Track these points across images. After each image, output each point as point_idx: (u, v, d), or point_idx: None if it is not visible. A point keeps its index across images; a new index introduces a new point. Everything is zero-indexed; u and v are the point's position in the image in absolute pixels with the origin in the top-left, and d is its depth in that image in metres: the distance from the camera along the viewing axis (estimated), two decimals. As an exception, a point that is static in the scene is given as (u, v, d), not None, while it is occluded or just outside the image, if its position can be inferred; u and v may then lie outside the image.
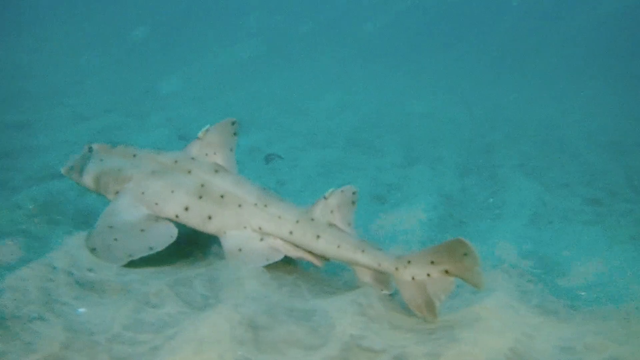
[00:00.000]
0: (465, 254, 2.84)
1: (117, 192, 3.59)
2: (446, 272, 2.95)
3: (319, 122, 9.42)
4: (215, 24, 20.66)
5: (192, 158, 3.58)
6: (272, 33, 18.73)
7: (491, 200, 5.73)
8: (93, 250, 3.23)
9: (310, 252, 3.40)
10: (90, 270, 3.10)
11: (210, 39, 17.84)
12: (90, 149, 3.88)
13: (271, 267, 3.29)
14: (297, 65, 14.88)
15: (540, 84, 14.78)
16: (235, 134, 3.65)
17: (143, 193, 3.50)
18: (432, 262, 2.98)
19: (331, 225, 3.34)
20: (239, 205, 3.42)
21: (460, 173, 6.68)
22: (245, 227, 3.42)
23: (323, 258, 3.41)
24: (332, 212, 3.36)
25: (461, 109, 11.27)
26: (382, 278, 3.27)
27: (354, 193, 3.40)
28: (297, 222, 3.36)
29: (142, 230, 3.37)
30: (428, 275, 3.00)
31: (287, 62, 15.08)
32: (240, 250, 3.36)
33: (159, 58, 15.25)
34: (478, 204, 5.64)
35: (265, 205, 3.41)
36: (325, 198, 3.36)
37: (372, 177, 6.31)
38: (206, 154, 3.60)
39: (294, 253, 3.43)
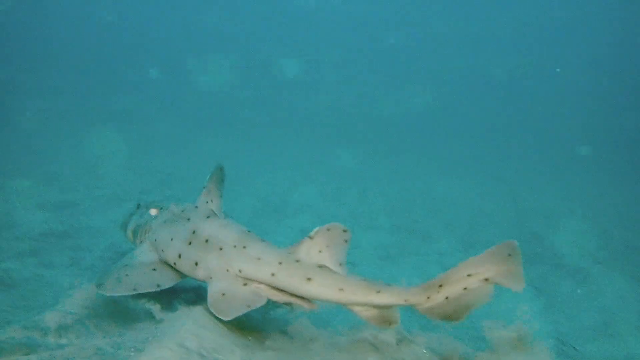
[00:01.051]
0: (509, 255, 2.95)
1: (141, 242, 3.87)
2: (486, 280, 3.00)
3: (355, 207, 9.48)
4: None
5: (196, 207, 3.75)
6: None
7: (579, 291, 5.57)
8: (99, 285, 3.35)
9: (298, 296, 3.21)
10: (215, 351, 2.98)
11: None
12: (138, 206, 4.35)
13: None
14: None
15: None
16: (222, 180, 3.88)
17: (155, 240, 3.70)
18: (470, 275, 3.02)
19: (322, 266, 3.18)
20: (220, 248, 3.35)
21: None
22: (227, 270, 3.29)
23: (312, 303, 3.24)
24: (320, 252, 3.21)
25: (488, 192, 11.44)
26: (387, 315, 3.16)
27: (344, 231, 3.22)
28: (280, 263, 3.20)
29: (153, 269, 3.52)
30: (465, 289, 3.04)
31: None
32: (223, 295, 3.20)
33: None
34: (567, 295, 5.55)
35: (244, 247, 3.32)
36: (310, 238, 3.22)
37: (438, 261, 6.27)
38: (206, 202, 3.75)
39: (279, 297, 3.24)
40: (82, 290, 3.77)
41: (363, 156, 13.71)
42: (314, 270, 3.15)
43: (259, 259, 3.25)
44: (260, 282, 3.24)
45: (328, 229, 3.22)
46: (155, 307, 3.45)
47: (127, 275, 3.42)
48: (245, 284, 3.25)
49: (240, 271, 3.27)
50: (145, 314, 3.47)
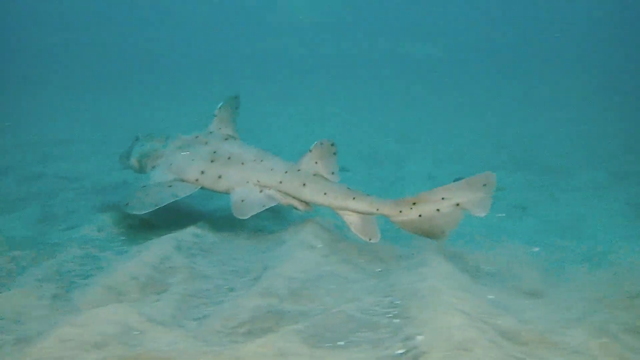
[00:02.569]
0: (484, 185, 3.30)
1: (153, 167, 4.40)
2: (457, 205, 3.37)
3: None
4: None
5: (210, 132, 4.41)
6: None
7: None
8: (125, 205, 3.86)
9: (297, 199, 3.94)
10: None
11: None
12: (137, 138, 4.86)
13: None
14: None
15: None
16: (237, 107, 4.53)
17: (171, 164, 4.28)
18: (443, 198, 3.40)
19: (316, 174, 3.88)
20: (242, 163, 4.09)
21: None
22: (247, 182, 4.03)
23: (308, 205, 3.95)
24: (316, 162, 3.90)
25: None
26: (367, 225, 3.65)
27: (332, 145, 3.92)
28: (286, 172, 3.96)
29: (169, 186, 4.07)
30: (437, 210, 3.42)
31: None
32: (243, 201, 3.92)
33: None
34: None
35: (262, 160, 4.07)
36: (310, 151, 3.93)
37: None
38: (219, 128, 4.43)
39: (284, 200, 3.98)
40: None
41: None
42: (309, 178, 3.87)
43: (272, 169, 4.00)
44: (271, 188, 3.99)
45: (321, 143, 3.91)
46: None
47: (147, 194, 3.93)
48: (261, 191, 3.99)
49: (258, 181, 4.02)
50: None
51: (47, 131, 10.10)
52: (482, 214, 3.31)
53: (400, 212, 3.52)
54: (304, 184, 3.84)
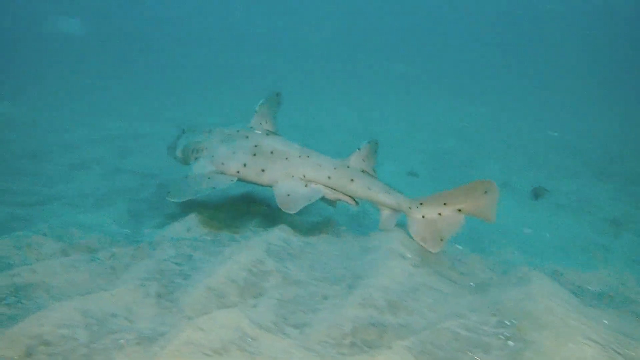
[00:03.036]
0: (486, 192, 3.43)
1: (195, 159, 4.62)
2: (459, 210, 3.57)
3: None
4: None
5: (250, 127, 4.59)
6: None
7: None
8: (168, 194, 4.11)
9: (345, 194, 4.19)
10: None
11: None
12: (183, 131, 5.15)
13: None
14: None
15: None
16: (279, 103, 4.71)
17: (213, 156, 4.47)
18: (445, 204, 3.62)
19: (363, 171, 4.16)
20: (286, 158, 4.27)
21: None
22: (292, 176, 4.21)
23: (354, 199, 4.21)
24: (363, 160, 4.18)
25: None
26: (387, 222, 3.97)
27: (376, 144, 4.26)
28: (335, 168, 4.18)
29: (209, 178, 4.29)
30: (439, 214, 3.65)
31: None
32: (288, 195, 4.09)
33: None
34: None
35: (308, 156, 4.27)
36: (359, 149, 4.19)
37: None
38: (260, 123, 4.60)
39: (331, 195, 4.24)
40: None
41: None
42: (357, 174, 4.14)
43: (320, 165, 4.21)
44: (317, 183, 4.20)
45: (369, 143, 4.21)
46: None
47: (187, 184, 4.19)
48: (305, 185, 4.19)
49: (304, 176, 4.22)
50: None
51: (121, 125, 10.60)
52: (491, 221, 3.49)
53: (410, 208, 3.82)
54: (352, 180, 4.11)
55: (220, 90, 16.97)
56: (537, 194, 6.29)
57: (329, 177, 4.17)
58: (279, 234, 4.01)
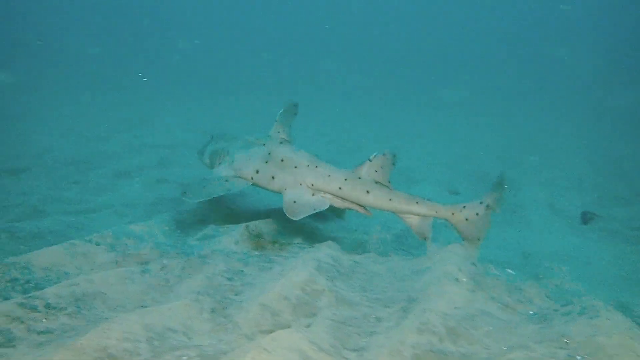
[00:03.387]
0: (499, 185, 3.92)
1: (219, 164, 4.86)
2: (487, 207, 3.94)
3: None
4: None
5: (269, 136, 4.72)
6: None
7: None
8: (183, 193, 4.27)
9: (358, 205, 4.26)
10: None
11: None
12: (212, 138, 5.42)
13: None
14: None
15: None
16: (295, 113, 4.84)
17: (232, 162, 4.68)
18: (481, 202, 3.97)
19: (377, 182, 4.19)
20: (295, 167, 4.35)
21: None
22: (300, 184, 4.29)
23: (367, 209, 4.30)
24: (376, 171, 4.20)
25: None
26: (424, 228, 4.15)
27: (394, 156, 4.28)
28: (346, 179, 4.22)
29: (226, 181, 4.48)
30: (477, 214, 3.97)
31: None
32: (295, 202, 4.18)
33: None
34: None
35: (316, 167, 4.33)
36: (370, 160, 4.22)
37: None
38: (278, 132, 4.72)
39: (341, 204, 4.30)
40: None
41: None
42: (372, 185, 4.17)
43: (329, 175, 4.26)
44: (326, 193, 4.28)
45: (385, 154, 4.23)
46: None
47: (204, 186, 4.37)
48: (313, 194, 4.27)
49: (312, 185, 4.28)
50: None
51: (157, 135, 10.84)
52: (498, 210, 3.93)
53: (453, 214, 4.03)
54: (367, 191, 4.16)
55: (252, 97, 17.19)
56: (587, 218, 6.08)
57: (340, 188, 4.23)
58: (327, 251, 3.99)
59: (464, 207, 4.01)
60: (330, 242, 4.35)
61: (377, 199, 4.15)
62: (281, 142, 4.61)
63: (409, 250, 4.83)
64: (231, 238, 4.31)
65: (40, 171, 6.97)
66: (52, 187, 6.20)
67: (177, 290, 3.27)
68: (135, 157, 8.66)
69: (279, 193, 4.42)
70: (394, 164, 4.28)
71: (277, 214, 5.17)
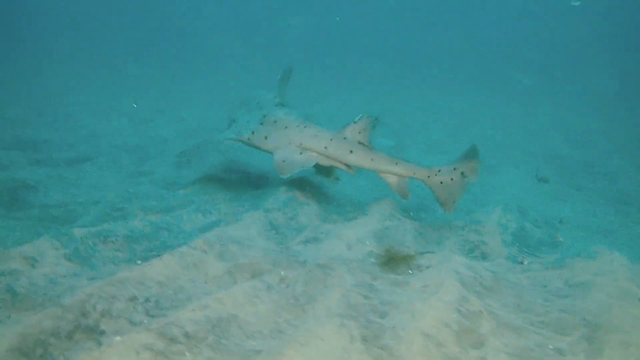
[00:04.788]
0: (475, 155, 4.31)
1: (229, 126, 5.44)
2: (462, 174, 4.32)
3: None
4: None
5: (267, 99, 5.22)
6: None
7: None
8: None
9: (342, 163, 4.64)
10: None
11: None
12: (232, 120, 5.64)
13: None
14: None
15: None
16: (289, 78, 5.27)
17: (235, 124, 5.29)
18: (455, 169, 4.34)
19: (360, 143, 4.55)
20: (285, 127, 4.76)
21: None
22: (290, 144, 4.68)
23: (351, 167, 4.69)
24: (359, 133, 4.57)
25: None
26: (402, 185, 4.58)
27: (376, 119, 4.63)
28: (331, 140, 4.60)
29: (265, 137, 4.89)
30: (452, 179, 4.37)
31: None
32: (284, 161, 4.58)
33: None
34: None
35: (305, 127, 4.70)
36: (354, 122, 4.56)
37: None
38: (275, 96, 5.21)
39: (326, 162, 4.68)
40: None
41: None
42: (355, 145, 4.55)
43: (316, 135, 4.63)
44: (313, 152, 4.64)
45: (368, 117, 4.56)
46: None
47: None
48: (301, 153, 4.64)
49: (300, 144, 4.68)
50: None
51: (196, 115, 10.53)
52: (476, 179, 4.34)
53: (429, 177, 4.42)
54: (350, 151, 4.52)
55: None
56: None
57: (326, 147, 4.57)
58: (461, 259, 3.61)
59: (439, 170, 4.40)
60: (456, 253, 3.96)
61: (360, 158, 4.52)
62: (276, 105, 5.02)
63: (532, 252, 4.40)
64: (342, 240, 3.96)
65: (102, 161, 6.72)
66: (120, 180, 5.94)
67: (313, 312, 2.93)
68: (187, 142, 8.37)
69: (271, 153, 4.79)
70: (374, 127, 4.62)
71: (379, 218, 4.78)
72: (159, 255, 3.38)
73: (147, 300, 2.92)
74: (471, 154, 4.37)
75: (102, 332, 2.52)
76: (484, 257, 4.15)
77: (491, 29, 34.82)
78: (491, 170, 7.74)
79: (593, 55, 23.89)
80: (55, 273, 3.12)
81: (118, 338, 2.33)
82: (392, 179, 4.57)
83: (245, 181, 6.13)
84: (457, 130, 10.90)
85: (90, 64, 17.49)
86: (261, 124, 4.90)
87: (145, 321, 2.67)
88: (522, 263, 3.89)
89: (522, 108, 14.34)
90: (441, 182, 4.37)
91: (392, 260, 3.64)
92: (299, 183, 5.68)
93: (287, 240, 4.27)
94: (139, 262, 3.57)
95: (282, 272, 3.41)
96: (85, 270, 3.27)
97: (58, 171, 5.81)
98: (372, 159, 4.51)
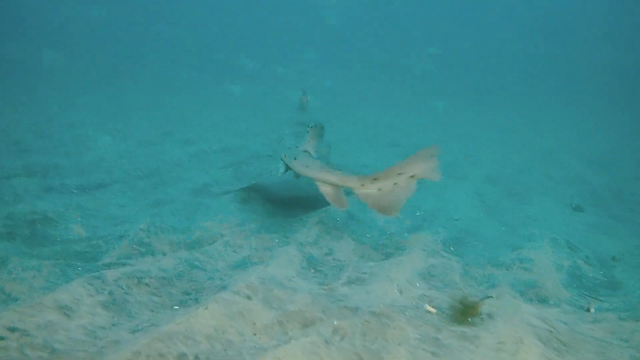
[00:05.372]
0: (432, 155, 3.76)
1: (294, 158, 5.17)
2: (412, 177, 3.86)
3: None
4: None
5: (300, 146, 5.25)
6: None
7: None
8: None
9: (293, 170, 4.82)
10: None
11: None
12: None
13: None
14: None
15: None
16: (322, 135, 5.25)
17: (285, 156, 5.21)
18: (400, 174, 3.87)
19: (305, 151, 4.79)
20: (306, 167, 4.69)
21: None
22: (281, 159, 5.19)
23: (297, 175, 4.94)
24: (308, 142, 4.91)
25: None
26: (340, 197, 4.30)
27: (322, 128, 5.01)
28: (289, 148, 5.01)
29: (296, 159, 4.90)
30: (395, 184, 3.92)
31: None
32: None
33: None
34: None
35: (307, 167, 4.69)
36: (310, 129, 4.99)
37: None
38: (304, 145, 5.20)
39: (285, 169, 5.09)
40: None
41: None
42: (299, 153, 4.79)
43: (289, 147, 5.11)
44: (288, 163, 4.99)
45: (314, 126, 4.96)
46: None
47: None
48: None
49: (285, 155, 5.09)
50: None
51: (206, 137, 10.33)
52: (437, 179, 3.77)
53: (362, 185, 4.03)
54: (295, 158, 4.74)
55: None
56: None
57: (285, 155, 5.04)
58: (529, 308, 3.37)
59: (375, 179, 3.97)
60: (520, 299, 3.72)
61: (297, 165, 4.66)
62: (304, 151, 5.06)
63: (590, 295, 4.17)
64: (391, 285, 3.72)
65: (117, 188, 6.47)
66: (140, 209, 5.69)
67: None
68: (201, 167, 8.14)
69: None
70: (321, 136, 4.95)
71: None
72: (197, 300, 3.14)
73: (196, 357, 2.66)
74: (427, 154, 3.84)
75: (157, 401, 2.25)
76: (540, 300, 3.92)
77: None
78: (521, 197, 7.54)
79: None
80: (93, 324, 2.86)
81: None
82: (327, 189, 4.33)
83: (269, 209, 5.90)
84: (469, 152, 10.72)
85: (85, 84, 17.27)
86: (295, 159, 5.07)
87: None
88: (588, 310, 3.65)
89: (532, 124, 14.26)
90: (380, 189, 3.96)
91: (453, 309, 3.39)
92: (325, 211, 5.47)
93: (328, 280, 4.03)
94: (177, 307, 3.34)
95: (335, 322, 3.16)
96: (124, 319, 3.02)
97: (75, 200, 5.56)
98: (306, 166, 4.54)
